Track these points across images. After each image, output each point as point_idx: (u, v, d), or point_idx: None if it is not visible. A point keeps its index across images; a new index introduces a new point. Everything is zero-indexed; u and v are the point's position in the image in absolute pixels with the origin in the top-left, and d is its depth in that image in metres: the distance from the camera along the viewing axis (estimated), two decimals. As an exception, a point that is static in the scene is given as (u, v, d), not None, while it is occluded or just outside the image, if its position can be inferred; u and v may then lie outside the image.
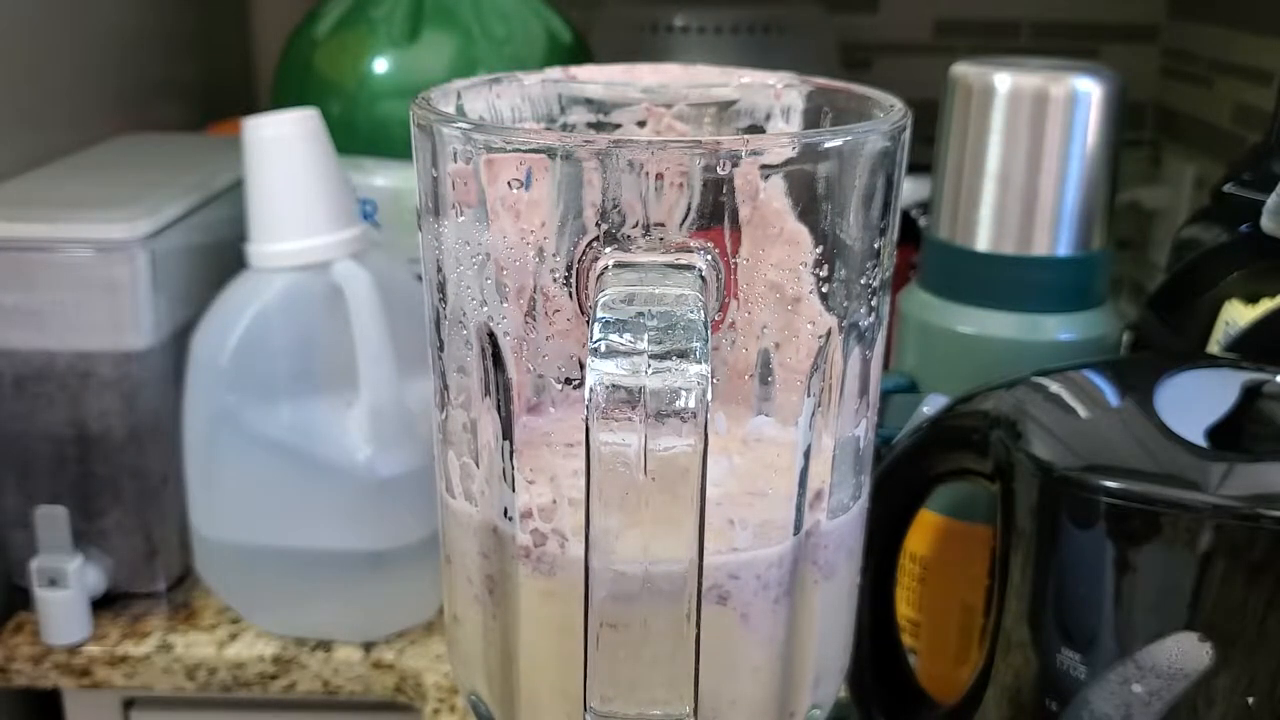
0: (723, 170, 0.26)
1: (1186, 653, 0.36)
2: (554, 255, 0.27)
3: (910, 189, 0.56)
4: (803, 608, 0.31)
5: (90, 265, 0.55)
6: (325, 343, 0.55)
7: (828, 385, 0.29)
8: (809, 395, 0.29)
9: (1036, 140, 0.49)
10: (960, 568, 0.49)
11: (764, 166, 0.27)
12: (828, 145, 0.27)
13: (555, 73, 0.35)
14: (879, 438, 0.35)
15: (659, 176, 0.26)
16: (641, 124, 0.35)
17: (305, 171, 0.55)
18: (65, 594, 0.57)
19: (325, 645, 0.58)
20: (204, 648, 0.58)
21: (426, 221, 0.30)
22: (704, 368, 0.23)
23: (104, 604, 0.59)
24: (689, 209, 0.26)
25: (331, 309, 0.55)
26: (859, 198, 0.28)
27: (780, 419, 0.29)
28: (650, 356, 0.23)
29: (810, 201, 0.27)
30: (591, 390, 0.23)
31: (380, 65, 0.65)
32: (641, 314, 0.24)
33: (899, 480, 0.44)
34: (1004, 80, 0.49)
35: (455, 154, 0.28)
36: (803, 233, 0.28)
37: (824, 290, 0.28)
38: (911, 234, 0.64)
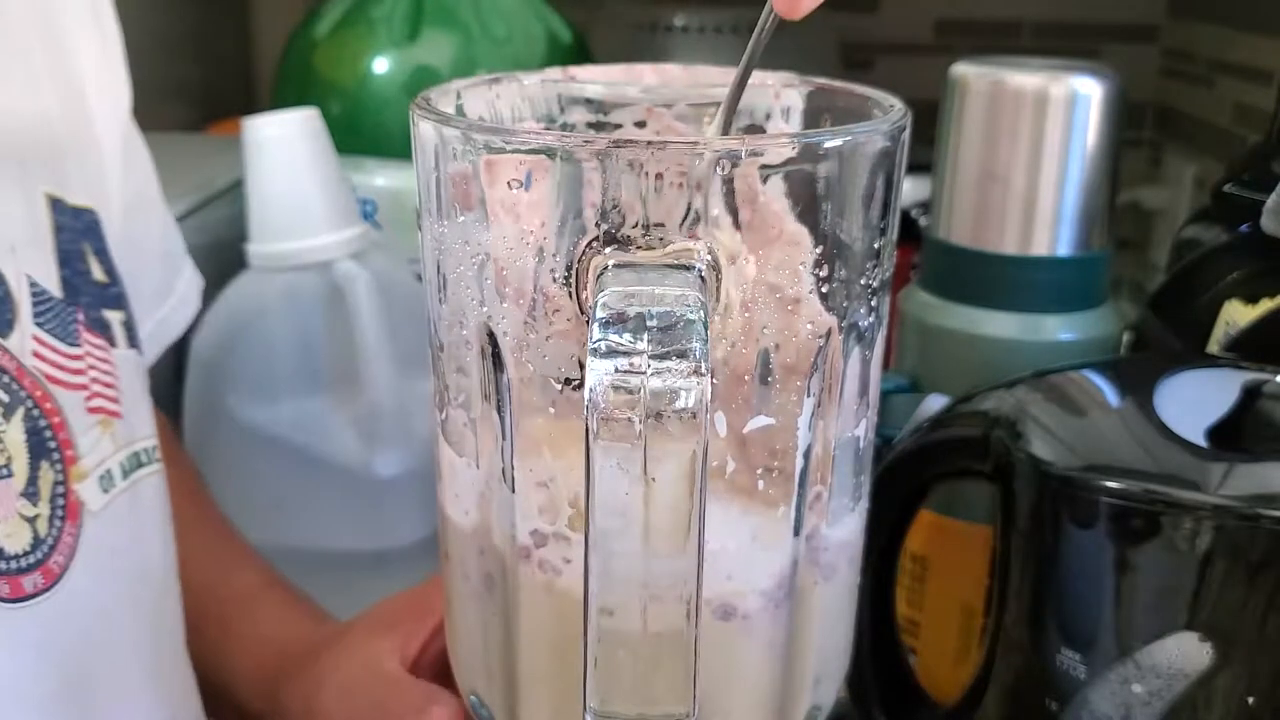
0: (722, 170, 0.26)
1: (1186, 653, 0.36)
2: (554, 255, 0.27)
3: (910, 189, 0.56)
4: (803, 609, 0.31)
5: (90, 265, 0.55)
6: (325, 343, 0.56)
7: (828, 385, 0.29)
8: (809, 395, 0.29)
9: (1036, 140, 0.49)
10: (960, 568, 0.49)
11: (764, 167, 0.27)
12: (828, 145, 0.27)
13: (555, 73, 0.35)
14: (879, 438, 0.35)
15: (659, 176, 0.26)
16: (641, 124, 0.35)
17: (305, 171, 0.55)
18: (65, 594, 0.57)
19: (325, 645, 0.58)
20: (204, 648, 0.58)
21: (426, 221, 0.30)
22: (704, 368, 0.23)
23: (104, 604, 0.59)
24: (689, 209, 0.26)
25: (331, 309, 0.55)
26: (859, 198, 0.28)
27: (780, 419, 0.29)
28: (650, 356, 0.23)
29: (810, 202, 0.27)
30: (591, 390, 0.23)
31: (380, 65, 0.65)
32: (641, 314, 0.24)
33: (899, 480, 0.44)
34: (1004, 80, 0.49)
35: (455, 154, 0.28)
36: (803, 233, 0.27)
37: (824, 290, 0.28)
38: (911, 234, 0.64)
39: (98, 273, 0.41)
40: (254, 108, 0.63)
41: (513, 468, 0.29)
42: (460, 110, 0.32)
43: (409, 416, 0.56)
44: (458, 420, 0.30)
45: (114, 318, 0.41)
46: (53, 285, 0.38)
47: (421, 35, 0.65)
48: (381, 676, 0.43)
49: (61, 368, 0.37)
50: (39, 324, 0.37)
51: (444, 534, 0.33)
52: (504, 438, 0.29)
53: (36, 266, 0.38)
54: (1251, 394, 0.39)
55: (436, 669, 0.43)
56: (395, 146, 0.64)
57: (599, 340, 0.24)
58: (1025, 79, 0.48)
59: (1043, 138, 0.48)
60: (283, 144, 0.55)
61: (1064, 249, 0.50)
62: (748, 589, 0.30)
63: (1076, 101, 0.48)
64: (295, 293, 0.55)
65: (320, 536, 0.56)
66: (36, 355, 0.37)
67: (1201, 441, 0.38)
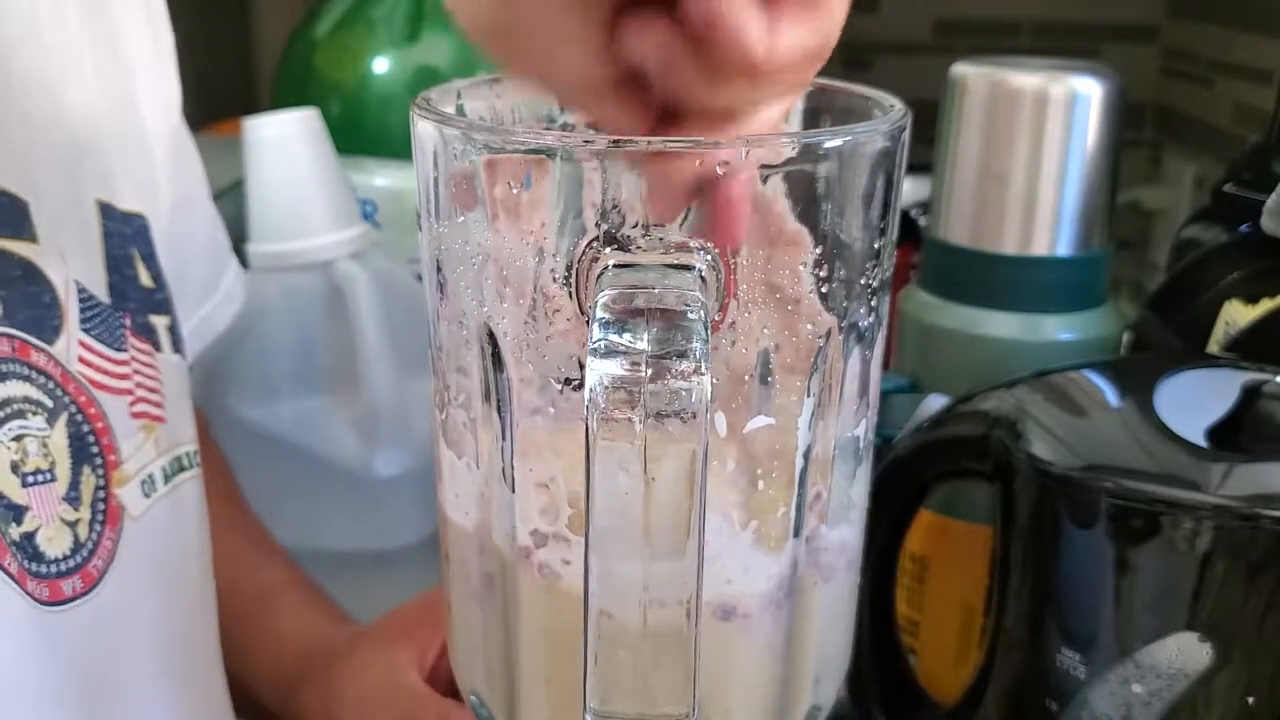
0: (723, 170, 0.26)
1: (1186, 653, 0.36)
2: (554, 255, 0.27)
3: (910, 189, 0.56)
4: (803, 609, 0.31)
5: (90, 265, 0.55)
6: (325, 343, 0.56)
7: (828, 385, 0.29)
8: (809, 395, 0.29)
9: (1036, 140, 0.49)
10: (960, 568, 0.49)
11: (764, 167, 0.27)
12: (828, 145, 0.27)
13: (555, 73, 0.35)
14: (879, 438, 0.35)
15: (658, 176, 0.26)
16: (642, 124, 0.35)
17: (305, 171, 0.55)
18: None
19: (325, 645, 0.58)
20: (204, 648, 0.58)
21: (426, 221, 0.30)
22: (704, 368, 0.23)
23: (104, 604, 0.59)
24: (689, 209, 0.26)
25: (331, 309, 0.55)
26: (859, 198, 0.28)
27: (780, 419, 0.29)
28: (650, 356, 0.23)
29: (810, 202, 0.27)
30: (591, 390, 0.23)
31: (380, 65, 0.65)
32: (642, 314, 0.24)
33: (899, 480, 0.44)
34: (1004, 80, 0.49)
35: (455, 154, 0.28)
36: (803, 233, 0.27)
37: (824, 290, 0.28)
38: (911, 234, 0.64)
39: (145, 278, 0.41)
40: (254, 108, 0.63)
41: (513, 468, 0.29)
42: (460, 110, 0.32)
43: (409, 416, 0.56)
44: (458, 420, 0.30)
45: (159, 323, 0.42)
46: (101, 291, 0.38)
47: (422, 35, 0.65)
48: (401, 689, 0.43)
49: (107, 373, 0.38)
50: (86, 329, 0.37)
51: (444, 534, 0.33)
52: (504, 438, 0.29)
53: (85, 272, 0.38)
54: (1251, 394, 0.39)
55: (453, 677, 0.43)
56: (395, 146, 0.64)
57: (599, 340, 0.24)
58: (1025, 79, 0.48)
59: (1043, 138, 0.48)
60: (283, 144, 0.55)
61: (1064, 249, 0.50)
62: (748, 589, 0.30)
63: (1076, 101, 0.48)
64: (295, 293, 0.55)
65: (320, 536, 0.56)
66: (82, 361, 0.37)
67: (1201, 441, 0.38)
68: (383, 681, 0.44)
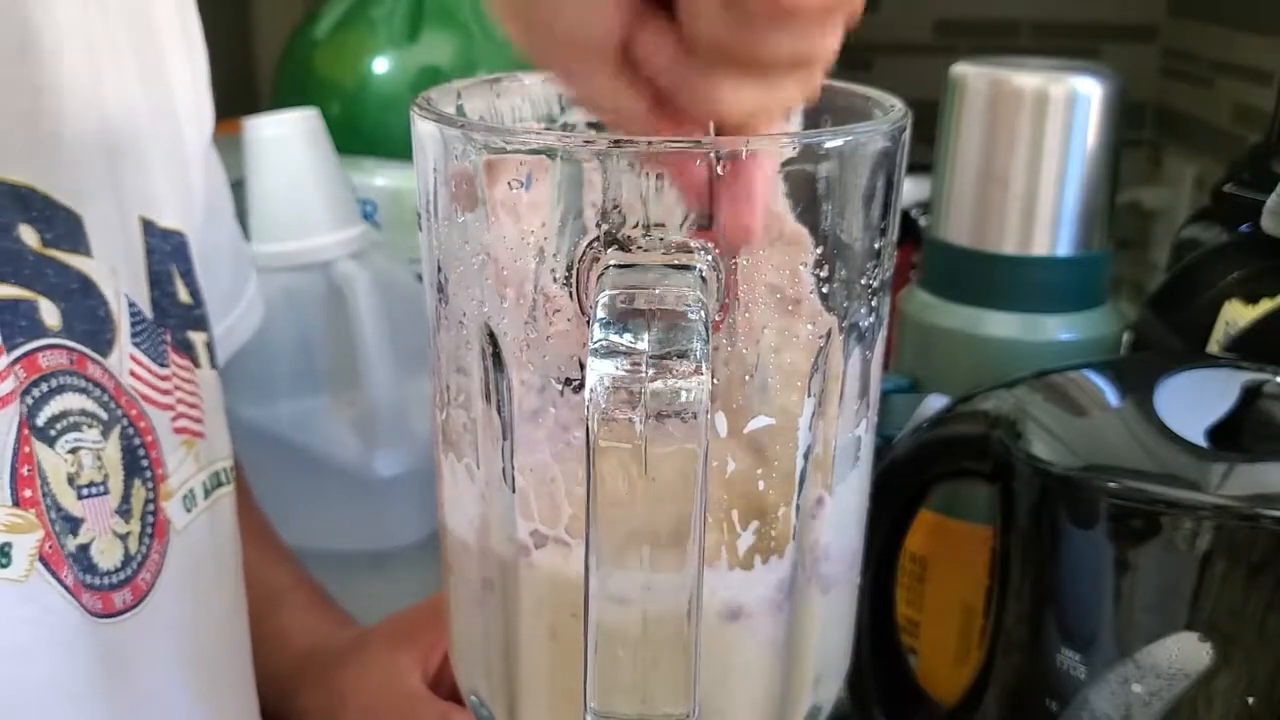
0: (723, 170, 0.26)
1: (1186, 653, 0.36)
2: (554, 255, 0.27)
3: (910, 189, 0.56)
4: (803, 609, 0.31)
5: (90, 265, 0.55)
6: (325, 343, 0.56)
7: (828, 385, 0.29)
8: (809, 396, 0.29)
9: (1036, 140, 0.49)
10: (960, 568, 0.49)
11: (764, 167, 0.26)
12: (828, 145, 0.27)
13: (555, 73, 0.35)
14: (879, 438, 0.35)
15: (659, 177, 0.26)
16: (642, 124, 0.35)
17: (305, 171, 0.56)
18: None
19: (325, 645, 0.58)
20: (204, 648, 0.58)
21: (426, 221, 0.30)
22: (704, 368, 0.23)
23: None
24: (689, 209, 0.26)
25: (331, 309, 0.55)
26: (859, 198, 0.28)
27: (780, 419, 0.29)
28: (650, 357, 0.23)
29: (810, 202, 0.27)
30: (592, 390, 0.23)
31: (380, 65, 0.65)
32: (642, 314, 0.24)
33: (899, 481, 0.44)
34: (1004, 80, 0.49)
35: (456, 154, 0.28)
36: (803, 233, 0.27)
37: (824, 291, 0.28)
38: (911, 234, 0.64)
39: (183, 294, 0.41)
40: (254, 108, 0.63)
41: (513, 468, 0.29)
42: (461, 110, 0.32)
43: (409, 416, 0.56)
44: (458, 421, 0.30)
45: (198, 339, 0.42)
46: (145, 306, 0.39)
47: (421, 35, 0.65)
48: (402, 692, 0.43)
49: (154, 387, 0.38)
50: (135, 343, 0.38)
51: (444, 535, 0.33)
52: (504, 438, 0.29)
53: (132, 287, 0.38)
54: (1251, 394, 0.39)
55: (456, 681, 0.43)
56: (395, 146, 0.64)
57: (599, 340, 0.24)
58: (1025, 79, 0.48)
59: (1043, 138, 0.48)
60: (283, 144, 0.55)
61: (1064, 249, 0.50)
62: (748, 590, 0.30)
63: (1076, 101, 0.48)
64: (295, 293, 0.55)
65: (320, 536, 0.56)
66: (133, 374, 0.37)
67: (1201, 441, 0.38)
68: (384, 684, 0.44)
